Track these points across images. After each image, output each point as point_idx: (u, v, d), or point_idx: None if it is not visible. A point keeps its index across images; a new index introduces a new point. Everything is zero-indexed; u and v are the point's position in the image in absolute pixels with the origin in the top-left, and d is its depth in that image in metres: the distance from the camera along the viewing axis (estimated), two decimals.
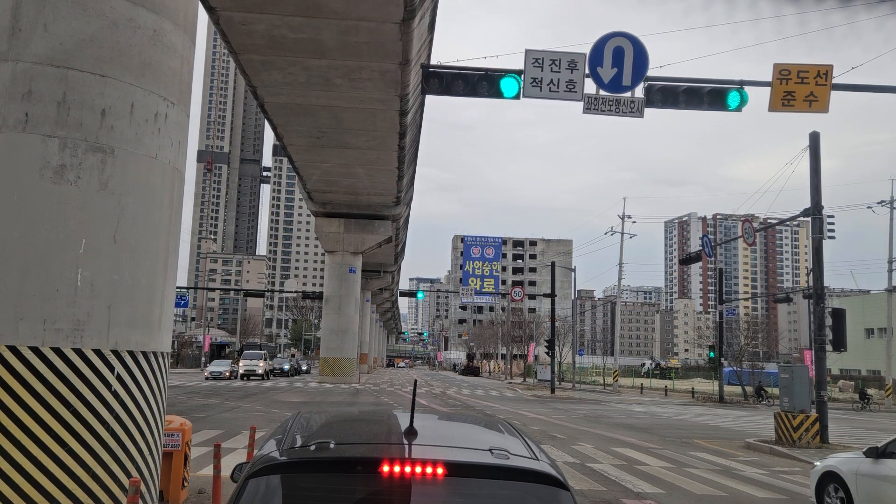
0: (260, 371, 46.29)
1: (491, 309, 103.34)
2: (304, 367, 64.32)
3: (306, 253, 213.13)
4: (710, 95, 15.19)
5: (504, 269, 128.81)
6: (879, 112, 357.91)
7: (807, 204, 19.34)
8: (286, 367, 56.31)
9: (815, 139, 19.25)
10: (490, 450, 2.81)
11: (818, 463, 9.81)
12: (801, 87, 14.91)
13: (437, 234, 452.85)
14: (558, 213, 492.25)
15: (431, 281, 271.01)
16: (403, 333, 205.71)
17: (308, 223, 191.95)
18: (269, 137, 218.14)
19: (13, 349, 5.25)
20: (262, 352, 52.77)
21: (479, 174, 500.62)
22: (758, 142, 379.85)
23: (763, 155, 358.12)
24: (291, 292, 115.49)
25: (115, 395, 5.57)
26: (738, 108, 15.23)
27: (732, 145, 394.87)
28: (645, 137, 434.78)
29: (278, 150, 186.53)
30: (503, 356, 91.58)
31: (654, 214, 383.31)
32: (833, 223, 45.59)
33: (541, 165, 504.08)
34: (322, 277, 69.50)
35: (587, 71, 14.68)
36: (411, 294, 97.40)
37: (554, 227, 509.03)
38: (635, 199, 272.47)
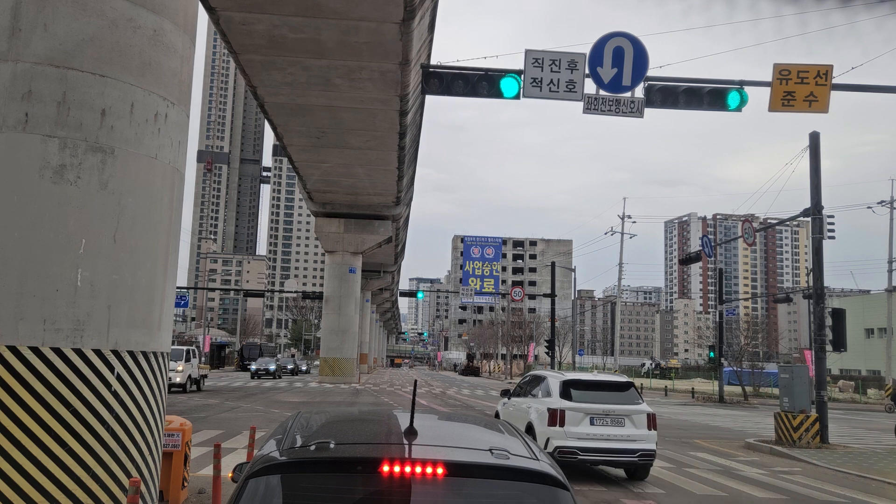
0: (178, 379, 29.15)
1: (491, 309, 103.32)
2: (303, 368, 63.85)
3: (306, 253, 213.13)
4: (710, 95, 15.17)
5: (504, 269, 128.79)
6: (876, 112, 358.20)
7: (806, 204, 19.34)
8: (272, 367, 49.60)
9: (815, 139, 19.25)
10: (490, 450, 2.80)
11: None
12: (801, 88, 14.89)
13: (435, 235, 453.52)
14: (553, 213, 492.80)
15: (431, 281, 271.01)
16: (403, 333, 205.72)
17: (308, 223, 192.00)
18: (269, 137, 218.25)
19: (13, 349, 5.24)
20: (188, 348, 33.22)
21: (474, 174, 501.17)
22: (752, 143, 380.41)
23: (757, 156, 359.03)
24: (291, 292, 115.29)
25: (115, 395, 5.56)
26: (738, 109, 15.21)
27: (726, 146, 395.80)
28: (639, 138, 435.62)
29: (278, 150, 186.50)
30: (503, 356, 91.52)
31: (652, 215, 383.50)
32: (833, 223, 45.64)
33: (535, 166, 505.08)
34: (322, 277, 69.45)
35: (587, 71, 14.65)
36: (411, 294, 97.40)
37: (550, 227, 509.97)
38: (632, 199, 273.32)
